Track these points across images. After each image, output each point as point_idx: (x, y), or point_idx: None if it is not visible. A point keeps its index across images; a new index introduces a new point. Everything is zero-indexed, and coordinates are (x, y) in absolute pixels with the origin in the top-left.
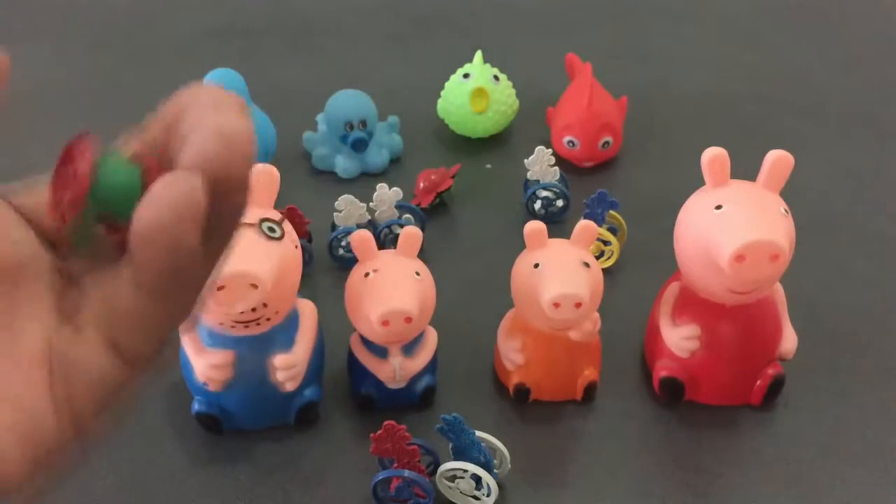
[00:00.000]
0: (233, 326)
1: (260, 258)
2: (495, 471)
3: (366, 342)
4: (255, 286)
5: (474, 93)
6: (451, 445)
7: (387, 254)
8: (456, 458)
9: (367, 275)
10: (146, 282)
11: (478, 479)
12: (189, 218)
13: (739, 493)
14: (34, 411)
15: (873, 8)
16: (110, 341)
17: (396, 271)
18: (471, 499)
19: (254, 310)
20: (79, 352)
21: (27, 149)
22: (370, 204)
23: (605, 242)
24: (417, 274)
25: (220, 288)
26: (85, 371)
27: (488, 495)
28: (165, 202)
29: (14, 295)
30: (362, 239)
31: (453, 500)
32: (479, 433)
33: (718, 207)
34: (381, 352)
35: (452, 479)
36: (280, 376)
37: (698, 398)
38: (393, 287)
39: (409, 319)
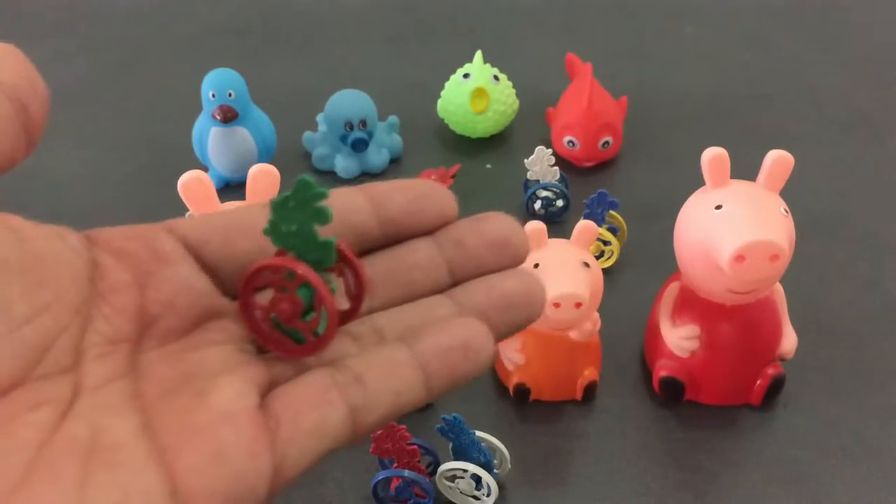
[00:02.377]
0: None
1: None
2: (495, 471)
3: None
4: None
5: (474, 93)
6: (451, 445)
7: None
8: (456, 458)
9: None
10: (435, 386)
11: (478, 479)
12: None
13: (739, 493)
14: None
15: (873, 8)
16: (354, 410)
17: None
18: (471, 499)
19: None
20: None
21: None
22: None
23: (605, 242)
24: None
25: None
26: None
27: (488, 495)
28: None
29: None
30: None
31: (453, 500)
32: (478, 433)
33: (718, 207)
34: None
35: (452, 479)
36: None
37: (698, 398)
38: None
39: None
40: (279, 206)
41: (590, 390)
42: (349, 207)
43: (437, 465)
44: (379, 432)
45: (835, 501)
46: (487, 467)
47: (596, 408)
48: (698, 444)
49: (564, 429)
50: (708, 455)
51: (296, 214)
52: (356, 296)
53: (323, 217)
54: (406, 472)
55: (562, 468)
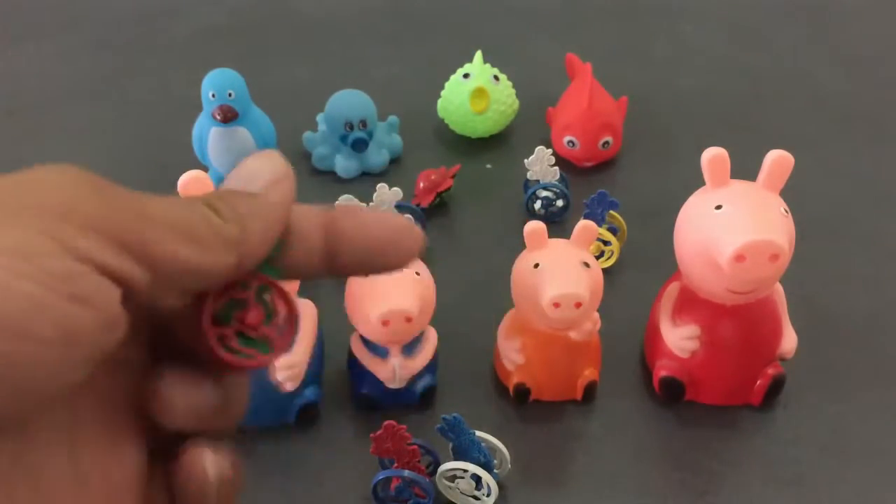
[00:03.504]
0: None
1: None
2: (495, 471)
3: (366, 342)
4: None
5: (474, 93)
6: (451, 445)
7: None
8: (456, 458)
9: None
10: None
11: (478, 479)
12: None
13: (739, 493)
14: None
15: (873, 8)
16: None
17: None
18: (471, 499)
19: None
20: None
21: (28, 148)
22: (370, 204)
23: (605, 242)
24: (417, 274)
25: None
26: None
27: (488, 495)
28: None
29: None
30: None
31: (453, 500)
32: (479, 433)
33: (718, 207)
34: (381, 352)
35: (452, 479)
36: (280, 376)
37: (698, 398)
38: (393, 287)
39: (409, 319)
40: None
41: (590, 390)
42: (301, 236)
43: (437, 465)
44: (379, 432)
45: (835, 501)
46: (487, 467)
47: (596, 408)
48: (698, 443)
49: (564, 429)
50: (708, 455)
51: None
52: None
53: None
54: (406, 472)
55: (562, 468)
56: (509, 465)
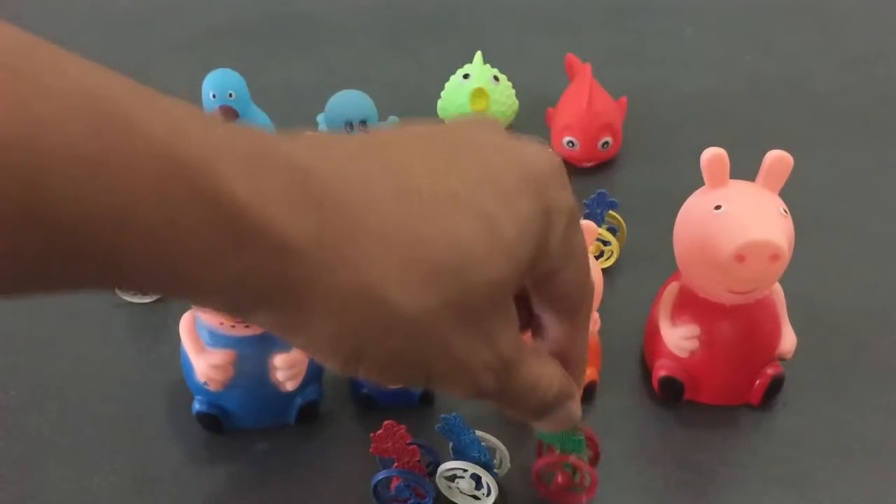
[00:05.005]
0: (233, 326)
1: None
2: (495, 470)
3: None
4: None
5: (474, 93)
6: (450, 445)
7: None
8: (456, 458)
9: (717, 207)
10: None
11: (478, 479)
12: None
13: (739, 493)
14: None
15: (873, 8)
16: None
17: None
18: (470, 498)
19: None
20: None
21: None
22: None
23: (605, 242)
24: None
25: None
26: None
27: (488, 495)
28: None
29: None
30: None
31: (453, 500)
32: (478, 433)
33: (718, 207)
34: None
35: (452, 478)
36: (280, 376)
37: (698, 398)
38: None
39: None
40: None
41: (589, 390)
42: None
43: (437, 465)
44: (379, 432)
45: (835, 501)
46: (487, 467)
47: (596, 408)
48: (698, 443)
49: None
50: (708, 455)
51: (560, 434)
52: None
53: (579, 446)
54: (406, 472)
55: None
56: (509, 465)
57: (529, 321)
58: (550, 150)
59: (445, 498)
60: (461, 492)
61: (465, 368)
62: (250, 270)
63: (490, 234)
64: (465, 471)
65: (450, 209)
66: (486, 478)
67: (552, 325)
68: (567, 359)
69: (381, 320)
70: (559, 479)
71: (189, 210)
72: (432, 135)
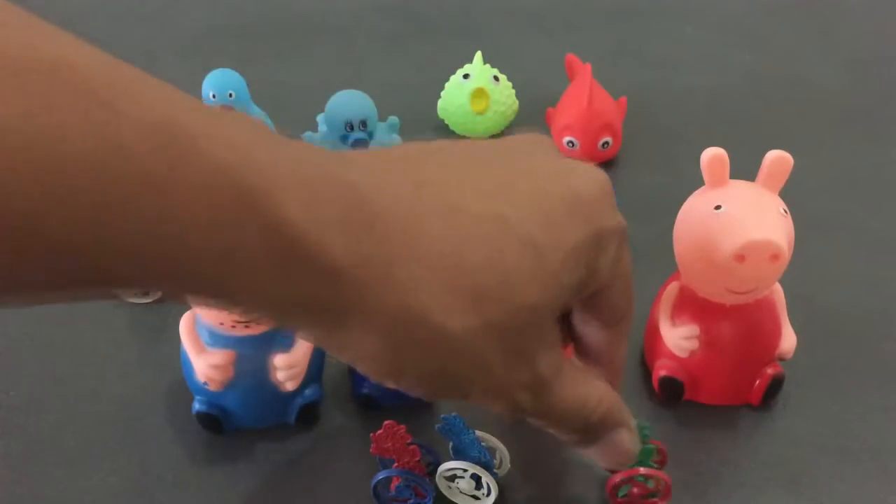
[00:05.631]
0: (233, 326)
1: None
2: (495, 470)
3: None
4: None
5: (474, 93)
6: (450, 445)
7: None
8: (456, 458)
9: (717, 207)
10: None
11: (478, 479)
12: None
13: (739, 493)
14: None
15: (873, 8)
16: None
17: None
18: (470, 498)
19: None
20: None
21: None
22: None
23: None
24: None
25: None
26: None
27: (488, 495)
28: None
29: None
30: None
31: (453, 500)
32: (478, 433)
33: (718, 207)
34: None
35: (452, 478)
36: (280, 376)
37: (698, 398)
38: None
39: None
40: None
41: None
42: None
43: (437, 465)
44: (379, 432)
45: (835, 501)
46: (487, 467)
47: None
48: (698, 443)
49: None
50: (707, 455)
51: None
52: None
53: (653, 454)
54: (406, 472)
55: (562, 468)
56: (509, 465)
57: (570, 335)
58: (600, 171)
59: (446, 498)
60: (461, 492)
61: (503, 388)
62: (298, 290)
63: (535, 261)
64: (465, 471)
65: (496, 233)
66: (486, 478)
67: (594, 335)
68: (610, 368)
69: (423, 340)
70: (635, 490)
71: (246, 236)
72: (485, 153)
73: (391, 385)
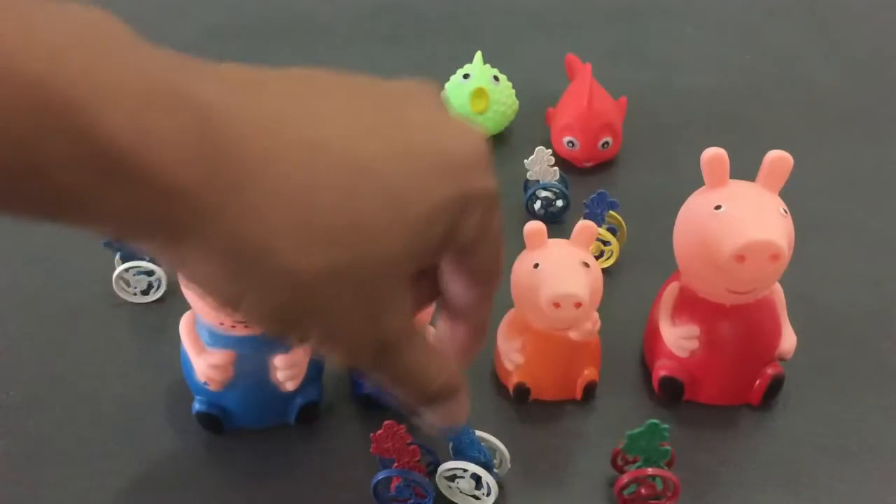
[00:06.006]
0: (233, 326)
1: None
2: (495, 470)
3: None
4: None
5: (474, 93)
6: (450, 445)
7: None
8: (456, 458)
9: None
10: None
11: (478, 479)
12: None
13: (739, 493)
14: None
15: (873, 7)
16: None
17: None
18: (471, 498)
19: None
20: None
21: None
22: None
23: (605, 242)
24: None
25: None
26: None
27: (488, 494)
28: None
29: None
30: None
31: (454, 500)
32: (478, 433)
33: (718, 207)
34: None
35: (452, 478)
36: (280, 376)
37: (698, 398)
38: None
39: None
40: (635, 438)
41: (589, 390)
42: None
43: (437, 465)
44: (379, 432)
45: (835, 501)
46: (487, 467)
47: (596, 408)
48: (698, 443)
49: (564, 429)
50: (707, 455)
51: (647, 446)
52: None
53: (666, 455)
54: (406, 472)
55: (562, 468)
56: (509, 465)
57: (433, 295)
58: (477, 132)
59: (446, 498)
60: (461, 492)
61: (344, 339)
62: (130, 207)
63: (394, 212)
64: (465, 471)
65: (356, 178)
66: (486, 478)
67: (460, 293)
68: (474, 325)
69: (263, 272)
70: (642, 490)
71: (61, 148)
72: (362, 93)
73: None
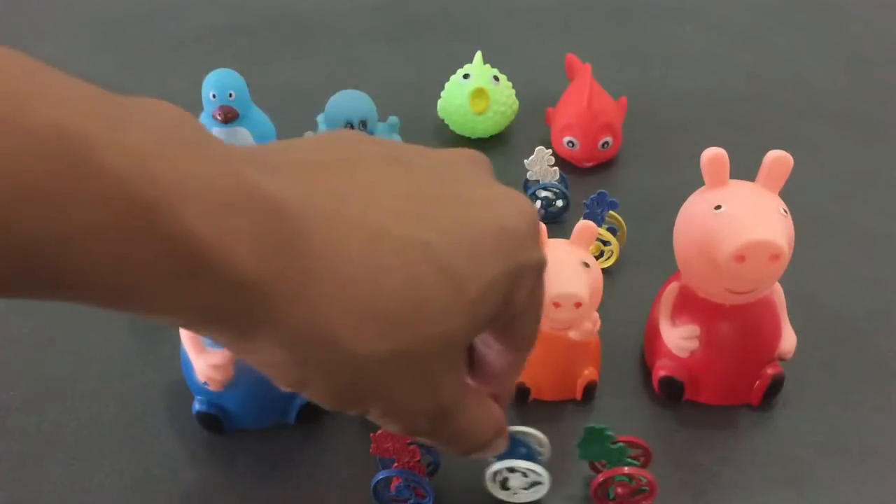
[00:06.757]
0: None
1: None
2: (539, 458)
3: None
4: None
5: (474, 93)
6: None
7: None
8: (499, 460)
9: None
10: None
11: (528, 473)
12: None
13: (739, 493)
14: None
15: (873, 8)
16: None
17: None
18: (523, 492)
19: None
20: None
21: None
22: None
23: (605, 242)
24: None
25: None
26: None
27: (542, 483)
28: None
29: None
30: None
31: (511, 502)
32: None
33: (718, 207)
34: None
35: (505, 482)
36: None
37: (698, 398)
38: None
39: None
40: (583, 445)
41: (589, 390)
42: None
43: (438, 465)
44: (379, 432)
45: (835, 501)
46: (532, 458)
47: (596, 408)
48: (698, 443)
49: (564, 429)
50: (707, 454)
51: (600, 449)
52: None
53: (622, 455)
54: (406, 472)
55: (562, 468)
56: (549, 448)
57: (472, 356)
58: (528, 202)
59: (445, 498)
60: (519, 490)
61: (403, 413)
62: (205, 300)
63: (454, 292)
64: (512, 470)
65: (416, 260)
66: (538, 469)
67: (495, 358)
68: (501, 391)
69: (329, 359)
70: (619, 490)
71: (145, 247)
72: (417, 167)
73: (294, 390)
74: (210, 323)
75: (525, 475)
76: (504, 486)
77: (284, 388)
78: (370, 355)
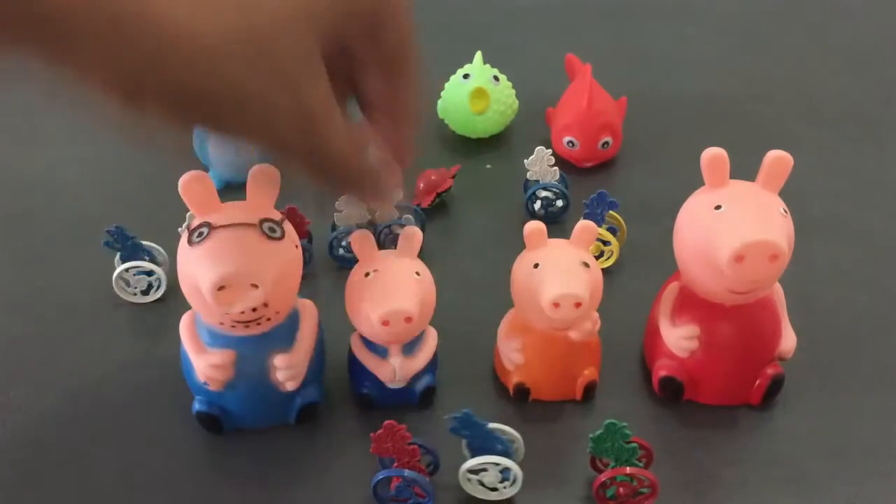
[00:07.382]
0: (233, 326)
1: (261, 258)
2: (513, 455)
3: (366, 342)
4: (255, 286)
5: (474, 93)
6: (464, 442)
7: (387, 254)
8: (474, 454)
9: (367, 275)
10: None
11: (504, 471)
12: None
13: (739, 493)
14: None
15: (873, 8)
16: None
17: (396, 271)
18: (490, 491)
19: (254, 310)
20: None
21: (26, 151)
22: (370, 204)
23: (605, 242)
24: (417, 274)
25: (221, 288)
26: None
27: (513, 483)
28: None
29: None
30: (362, 239)
31: (474, 495)
32: (490, 424)
33: (718, 208)
34: (381, 351)
35: (477, 472)
36: (280, 376)
37: (698, 398)
38: (393, 287)
39: (409, 319)
40: (599, 440)
41: (589, 390)
42: None
43: (437, 465)
44: (379, 432)
45: (834, 501)
46: (508, 455)
47: (596, 408)
48: (698, 443)
49: (564, 429)
50: (707, 454)
51: (612, 446)
52: (647, 461)
53: (633, 455)
54: (406, 472)
55: (562, 468)
56: (523, 450)
57: (346, 91)
58: None
59: (445, 497)
60: (484, 485)
61: (261, 111)
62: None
63: None
64: (496, 465)
65: None
66: (514, 468)
67: (376, 85)
68: (395, 117)
69: (160, 46)
70: (621, 490)
71: None
72: None
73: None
74: (30, 33)
75: (501, 471)
76: (482, 483)
77: (122, 105)
78: (204, 35)
